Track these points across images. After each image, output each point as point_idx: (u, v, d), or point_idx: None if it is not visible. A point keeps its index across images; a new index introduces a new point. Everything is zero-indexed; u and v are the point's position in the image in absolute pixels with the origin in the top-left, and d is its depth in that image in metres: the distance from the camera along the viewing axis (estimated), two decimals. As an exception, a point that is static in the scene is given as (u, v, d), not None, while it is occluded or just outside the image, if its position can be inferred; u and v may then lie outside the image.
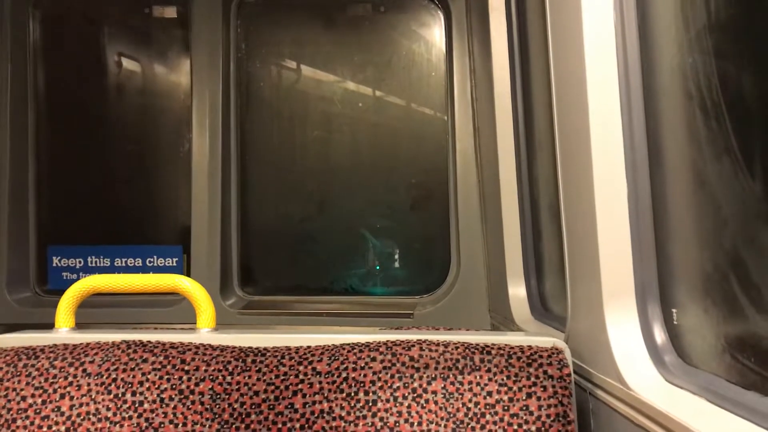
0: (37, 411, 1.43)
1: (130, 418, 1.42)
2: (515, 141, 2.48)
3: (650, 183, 1.37)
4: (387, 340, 1.50)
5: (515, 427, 1.38)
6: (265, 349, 1.51)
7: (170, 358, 1.47)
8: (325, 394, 1.43)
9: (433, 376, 1.42)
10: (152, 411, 1.42)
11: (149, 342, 1.52)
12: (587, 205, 1.42)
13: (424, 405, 1.40)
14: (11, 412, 1.43)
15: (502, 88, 2.50)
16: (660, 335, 1.34)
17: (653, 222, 1.37)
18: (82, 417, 1.42)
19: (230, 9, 3.30)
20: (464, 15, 3.13)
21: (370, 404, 1.41)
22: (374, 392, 1.42)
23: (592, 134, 1.39)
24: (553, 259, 2.28)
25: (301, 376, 1.45)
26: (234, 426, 1.42)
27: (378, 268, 3.36)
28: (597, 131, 1.39)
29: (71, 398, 1.43)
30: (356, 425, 1.40)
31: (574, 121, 1.50)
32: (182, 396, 1.43)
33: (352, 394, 1.42)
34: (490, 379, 1.41)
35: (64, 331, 1.63)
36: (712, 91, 1.17)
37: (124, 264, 3.34)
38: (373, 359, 1.45)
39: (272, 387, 1.44)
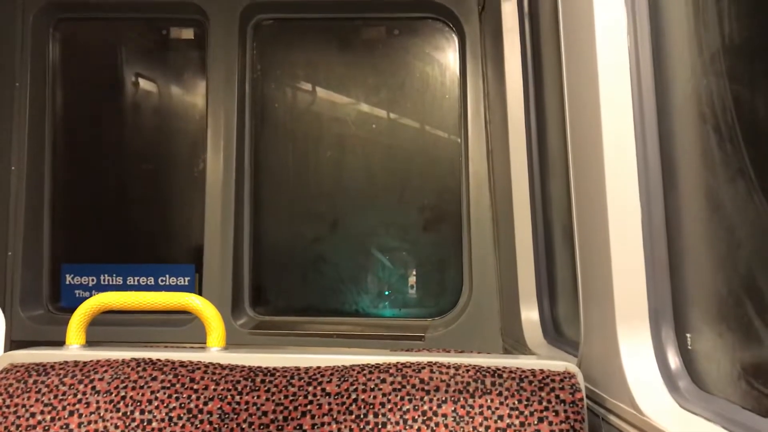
0: (46, 428, 1.42)
1: (138, 436, 1.41)
2: (528, 163, 2.47)
3: (664, 206, 1.36)
4: (397, 362, 1.49)
5: (526, 452, 1.35)
6: (274, 369, 1.50)
7: (179, 377, 1.47)
8: (334, 416, 1.41)
9: (444, 399, 1.41)
10: (160, 430, 1.41)
11: (159, 360, 1.52)
12: (601, 228, 1.41)
13: (434, 428, 1.38)
14: (20, 429, 1.43)
15: (515, 110, 2.50)
16: (674, 360, 1.32)
17: (667, 245, 1.36)
18: (90, 435, 1.41)
19: (246, 31, 3.34)
20: (478, 38, 3.15)
21: (380, 426, 1.39)
22: (384, 414, 1.40)
23: (605, 157, 1.38)
24: (566, 282, 2.26)
25: (310, 397, 1.44)
26: (242, 446, 1.40)
27: (389, 290, 3.34)
28: (611, 154, 1.38)
29: (80, 416, 1.43)
30: (365, 448, 1.38)
31: (587, 144, 1.49)
32: (191, 415, 1.42)
33: (362, 416, 1.40)
34: (501, 403, 1.39)
35: (74, 348, 1.64)
36: (726, 114, 1.16)
37: (136, 282, 3.35)
38: (383, 381, 1.44)
39: (281, 407, 1.43)
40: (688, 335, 1.32)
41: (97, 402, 1.44)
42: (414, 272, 3.35)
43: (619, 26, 1.38)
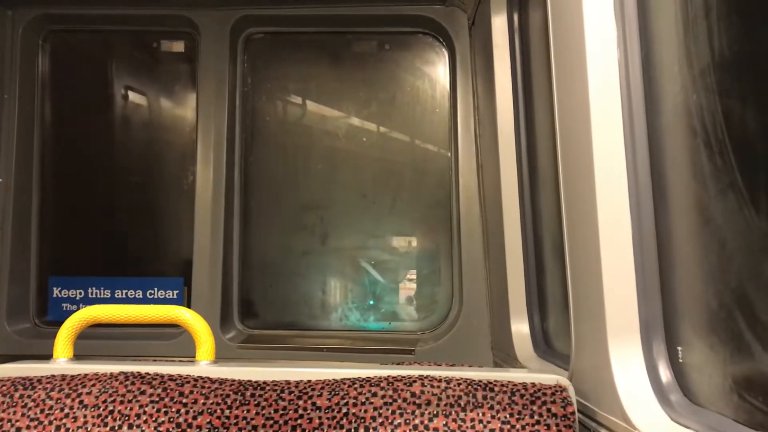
0: (32, 443, 1.40)
1: (126, 451, 1.39)
2: (518, 177, 2.48)
3: (654, 219, 1.36)
4: (388, 376, 1.48)
5: (518, 466, 1.35)
6: (264, 382, 1.49)
7: (168, 391, 1.45)
8: (325, 430, 1.40)
9: (435, 412, 1.40)
10: (149, 445, 1.39)
11: (147, 374, 1.51)
12: (591, 242, 1.41)
13: (426, 442, 1.37)
14: (5, 444, 1.41)
15: (505, 124, 2.51)
16: (665, 373, 1.32)
17: (658, 258, 1.36)
18: (77, 450, 1.39)
19: (237, 44, 3.34)
20: (468, 53, 3.17)
21: (371, 441, 1.38)
22: (375, 429, 1.39)
23: (595, 171, 1.39)
24: (556, 295, 2.26)
25: (300, 411, 1.42)
26: (231, 461, 1.39)
27: (380, 302, 3.33)
28: (601, 168, 1.39)
29: (67, 430, 1.41)
30: (356, 462, 1.37)
31: (577, 158, 1.50)
32: (180, 429, 1.41)
33: (352, 431, 1.39)
34: (492, 417, 1.39)
35: (62, 361, 1.62)
36: (716, 127, 1.17)
37: (124, 295, 3.32)
38: (374, 395, 1.43)
39: (271, 422, 1.42)
40: (679, 348, 1.32)
41: (85, 416, 1.42)
42: (404, 285, 3.35)
43: (609, 40, 1.39)
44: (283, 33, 3.41)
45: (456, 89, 3.21)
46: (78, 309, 3.07)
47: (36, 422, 1.42)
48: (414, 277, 3.35)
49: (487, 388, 1.42)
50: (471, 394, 1.41)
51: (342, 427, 1.40)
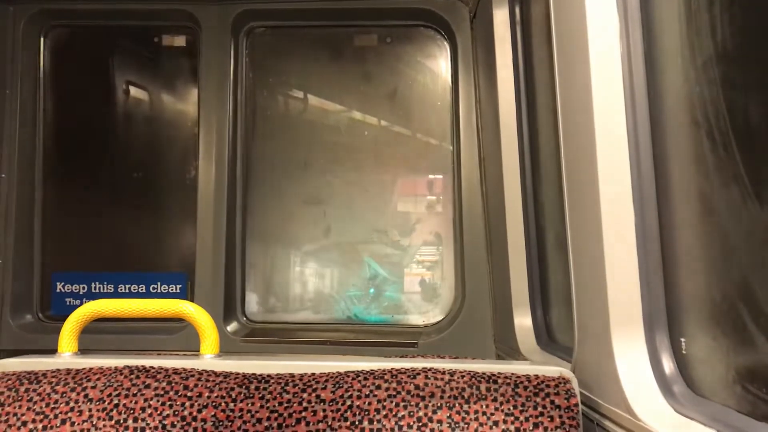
0: (38, 437, 1.41)
1: (132, 444, 1.40)
2: (521, 170, 2.48)
3: (657, 211, 1.37)
4: (392, 368, 1.49)
5: (522, 457, 1.35)
6: (268, 375, 1.49)
7: (173, 384, 1.46)
8: (329, 423, 1.41)
9: (439, 405, 1.41)
10: (154, 438, 1.40)
11: (152, 367, 1.51)
12: (594, 234, 1.42)
13: (430, 434, 1.38)
14: (12, 438, 1.41)
15: (507, 117, 2.51)
16: (668, 365, 1.33)
17: (661, 250, 1.36)
18: (83, 443, 1.40)
19: (238, 38, 3.34)
20: (470, 46, 3.16)
21: (375, 433, 1.39)
22: (379, 421, 1.40)
23: (599, 163, 1.39)
24: (558, 288, 2.27)
25: (305, 404, 1.43)
26: (236, 454, 1.39)
27: (382, 296, 3.34)
28: (604, 161, 1.39)
29: (72, 424, 1.42)
30: (360, 454, 1.38)
31: (580, 150, 1.50)
32: (185, 423, 1.41)
33: (357, 423, 1.40)
34: (496, 409, 1.39)
35: (67, 355, 1.62)
36: (719, 119, 1.17)
37: (127, 290, 3.33)
38: (378, 387, 1.43)
39: (275, 414, 1.42)
40: (683, 340, 1.32)
41: (90, 410, 1.43)
42: (406, 279, 3.35)
43: (611, 32, 1.39)
44: (284, 27, 3.41)
45: (458, 82, 3.21)
46: (81, 304, 3.08)
47: (41, 416, 1.43)
48: (417, 270, 3.36)
49: (491, 381, 1.43)
50: (474, 387, 1.42)
51: (346, 419, 1.40)
